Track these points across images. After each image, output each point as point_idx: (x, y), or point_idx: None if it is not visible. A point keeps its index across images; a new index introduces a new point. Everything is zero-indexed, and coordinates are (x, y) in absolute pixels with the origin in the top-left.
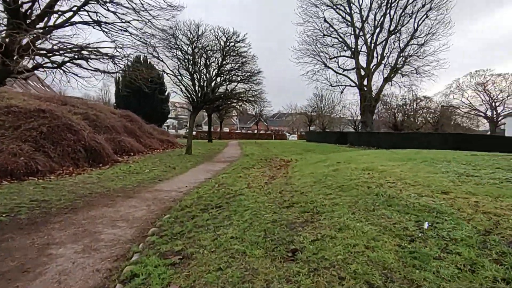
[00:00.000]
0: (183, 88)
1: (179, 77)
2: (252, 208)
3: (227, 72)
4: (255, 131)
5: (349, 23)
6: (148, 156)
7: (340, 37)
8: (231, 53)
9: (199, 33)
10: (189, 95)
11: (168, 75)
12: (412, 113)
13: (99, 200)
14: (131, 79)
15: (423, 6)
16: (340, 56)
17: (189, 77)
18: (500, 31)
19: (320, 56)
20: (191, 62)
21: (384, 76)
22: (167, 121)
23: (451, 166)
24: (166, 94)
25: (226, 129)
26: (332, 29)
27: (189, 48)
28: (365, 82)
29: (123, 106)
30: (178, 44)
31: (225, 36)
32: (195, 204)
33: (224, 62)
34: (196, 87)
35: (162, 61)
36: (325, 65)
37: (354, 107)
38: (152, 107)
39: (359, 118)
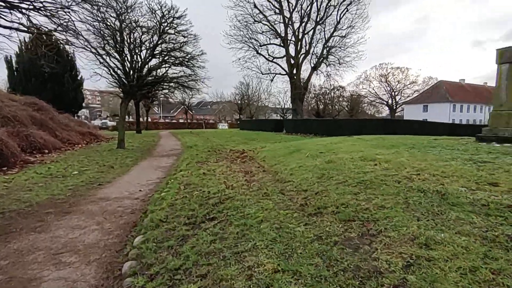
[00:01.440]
0: (111, 70)
1: (105, 56)
2: (266, 218)
3: (165, 53)
4: (180, 120)
5: (278, 11)
6: (69, 153)
7: (271, 24)
8: (169, 31)
9: (128, 4)
10: (118, 78)
11: (96, 55)
12: (330, 101)
13: (19, 222)
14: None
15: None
16: (270, 43)
17: (118, 58)
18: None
19: (252, 43)
20: (118, 39)
21: (312, 65)
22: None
23: (447, 152)
24: (79, 78)
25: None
26: (262, 16)
27: (117, 22)
28: (295, 71)
29: (21, 92)
30: (102, 16)
31: (161, 10)
32: (171, 216)
33: (160, 41)
34: (127, 69)
35: (81, 35)
36: (257, 52)
37: (281, 95)
38: (61, 93)
39: (286, 106)
